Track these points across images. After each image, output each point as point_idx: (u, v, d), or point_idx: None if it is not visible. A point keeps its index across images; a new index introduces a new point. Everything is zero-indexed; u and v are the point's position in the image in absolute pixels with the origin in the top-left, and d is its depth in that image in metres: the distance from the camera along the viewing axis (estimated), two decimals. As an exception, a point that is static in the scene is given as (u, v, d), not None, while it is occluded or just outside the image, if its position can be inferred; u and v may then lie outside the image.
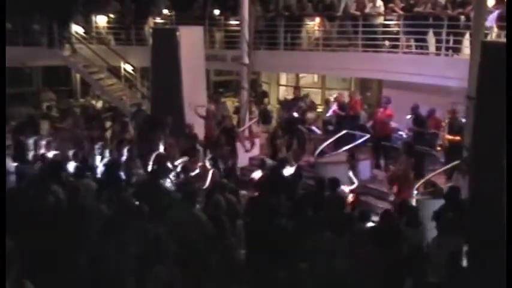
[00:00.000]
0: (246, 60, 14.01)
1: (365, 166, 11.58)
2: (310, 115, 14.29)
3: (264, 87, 18.16)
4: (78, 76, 18.49)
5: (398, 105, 12.12)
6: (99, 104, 17.63)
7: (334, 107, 13.63)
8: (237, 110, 15.33)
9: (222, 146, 11.36)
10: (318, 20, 15.19)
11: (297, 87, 16.24)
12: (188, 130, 11.93)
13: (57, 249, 6.12)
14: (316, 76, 17.52)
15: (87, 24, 17.58)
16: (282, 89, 18.18)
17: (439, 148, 11.36)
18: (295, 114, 13.39)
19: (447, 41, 12.37)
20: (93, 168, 9.60)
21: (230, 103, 16.89)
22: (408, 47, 13.29)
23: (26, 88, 18.92)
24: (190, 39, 13.35)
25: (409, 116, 11.59)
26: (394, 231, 6.40)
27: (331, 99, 14.70)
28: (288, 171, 9.28)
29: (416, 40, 13.09)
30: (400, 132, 12.45)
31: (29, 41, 17.05)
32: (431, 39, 12.79)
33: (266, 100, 16.01)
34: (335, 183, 7.97)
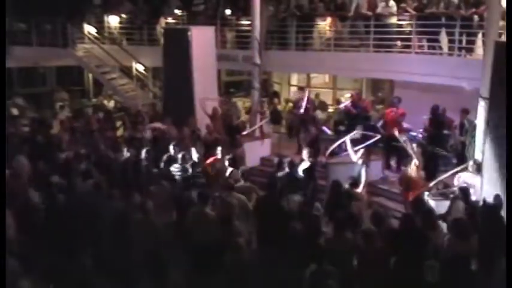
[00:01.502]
0: (258, 60, 14.01)
1: (376, 167, 11.53)
2: (321, 115, 14.25)
3: (275, 87, 18.16)
4: (90, 76, 18.63)
5: (410, 105, 12.06)
6: (111, 104, 17.74)
7: (348, 102, 13.60)
8: (249, 110, 15.33)
9: (239, 146, 11.41)
10: (329, 20, 15.16)
11: (300, 88, 16.24)
12: (208, 131, 11.93)
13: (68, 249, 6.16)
14: (327, 76, 17.49)
15: (99, 25, 17.71)
16: (293, 89, 18.16)
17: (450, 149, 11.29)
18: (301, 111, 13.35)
19: (460, 41, 12.29)
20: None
21: (241, 103, 16.92)
22: (420, 47, 13.21)
23: (40, 88, 19.08)
24: (202, 39, 13.38)
25: (425, 116, 11.52)
26: (416, 236, 6.27)
27: (343, 99, 14.67)
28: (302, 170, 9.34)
29: (428, 40, 13.02)
30: (412, 133, 12.38)
31: (43, 41, 17.22)
32: (443, 39, 12.71)
33: (276, 100, 16.01)
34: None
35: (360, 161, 9.44)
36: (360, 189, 8.63)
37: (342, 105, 13.79)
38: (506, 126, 6.00)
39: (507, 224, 5.63)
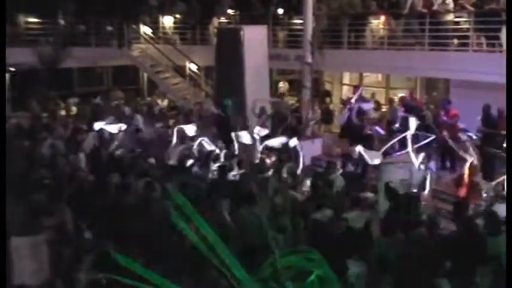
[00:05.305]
0: (309, 59, 13.94)
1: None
2: (374, 115, 14.04)
3: (327, 86, 18.01)
4: (145, 75, 19.10)
5: (467, 105, 11.69)
6: (164, 103, 18.11)
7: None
8: (296, 109, 15.26)
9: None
10: (382, 18, 14.90)
11: (356, 86, 15.99)
12: None
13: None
14: (380, 75, 17.19)
15: (154, 25, 18.13)
16: (345, 88, 17.96)
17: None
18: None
19: (521, 38, 11.79)
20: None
21: (293, 102, 16.87)
22: (478, 44, 12.77)
23: (97, 87, 19.74)
24: (254, 39, 13.46)
25: (479, 117, 11.14)
26: (477, 241, 6.04)
27: (396, 98, 14.40)
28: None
29: (487, 37, 12.56)
30: (469, 134, 11.98)
31: (101, 42, 17.81)
32: (503, 36, 12.22)
33: (328, 99, 15.87)
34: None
35: (423, 166, 9.24)
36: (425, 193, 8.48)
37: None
38: (506, 126, 5.70)
39: (507, 224, 5.35)
